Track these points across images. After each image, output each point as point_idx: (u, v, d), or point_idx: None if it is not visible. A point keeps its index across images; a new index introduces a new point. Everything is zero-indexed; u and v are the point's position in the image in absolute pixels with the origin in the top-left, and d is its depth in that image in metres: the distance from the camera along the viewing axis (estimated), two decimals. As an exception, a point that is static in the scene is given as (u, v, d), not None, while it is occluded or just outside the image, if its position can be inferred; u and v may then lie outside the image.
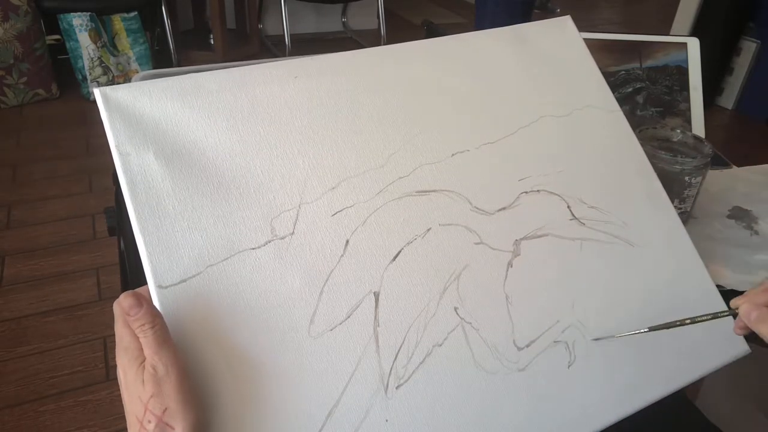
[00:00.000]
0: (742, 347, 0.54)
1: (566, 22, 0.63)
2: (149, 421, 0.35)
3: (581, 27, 0.64)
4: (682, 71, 0.93)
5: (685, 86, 0.93)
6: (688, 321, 0.46)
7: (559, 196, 0.53)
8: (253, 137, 0.45)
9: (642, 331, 0.48)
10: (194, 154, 0.43)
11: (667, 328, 0.47)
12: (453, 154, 0.51)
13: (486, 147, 0.53)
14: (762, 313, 0.42)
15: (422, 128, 0.51)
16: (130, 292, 0.37)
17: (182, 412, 0.35)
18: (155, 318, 0.37)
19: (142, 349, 0.36)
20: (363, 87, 0.50)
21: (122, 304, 0.37)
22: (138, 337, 0.36)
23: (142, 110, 0.43)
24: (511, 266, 0.49)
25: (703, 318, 0.46)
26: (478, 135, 0.53)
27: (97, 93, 0.42)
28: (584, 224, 0.53)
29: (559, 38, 0.62)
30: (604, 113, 0.60)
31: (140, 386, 0.35)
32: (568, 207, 0.53)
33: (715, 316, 0.45)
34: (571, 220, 0.53)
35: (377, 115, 0.50)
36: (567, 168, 0.55)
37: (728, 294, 0.50)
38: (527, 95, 0.57)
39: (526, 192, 0.52)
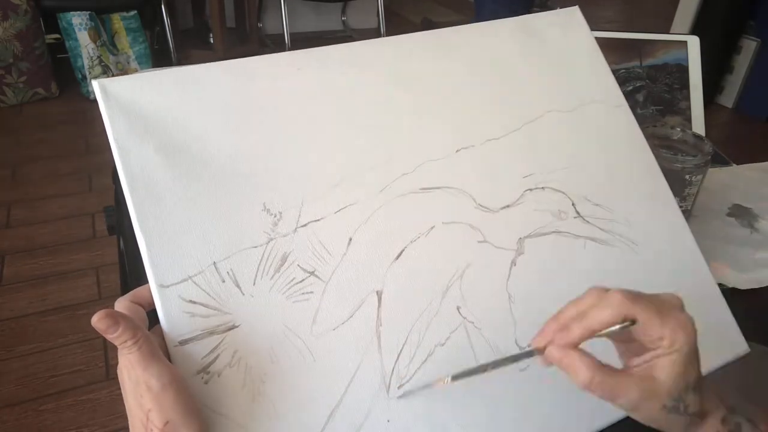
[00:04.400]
0: (742, 347, 0.54)
1: (574, 13, 0.62)
2: (151, 431, 0.34)
3: (582, 25, 0.64)
4: (683, 69, 0.93)
5: (685, 84, 0.93)
6: (489, 366, 0.40)
7: (563, 193, 0.53)
8: (256, 131, 0.45)
9: (447, 380, 0.41)
10: (195, 148, 0.43)
11: (470, 375, 0.40)
12: (457, 151, 0.51)
13: (490, 143, 0.52)
14: (571, 361, 0.36)
15: (426, 124, 0.51)
16: (104, 311, 0.34)
17: (185, 423, 0.35)
18: (136, 334, 0.34)
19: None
20: (365, 80, 0.50)
21: (98, 326, 0.34)
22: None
23: (142, 103, 0.42)
24: (515, 265, 0.49)
25: (506, 361, 0.39)
26: (482, 131, 0.52)
27: (96, 86, 0.41)
28: (588, 222, 0.53)
29: (566, 30, 0.61)
30: (611, 108, 0.59)
31: (139, 400, 0.35)
32: (573, 205, 0.53)
33: (515, 358, 0.39)
34: (575, 218, 0.53)
35: (380, 109, 0.49)
36: (572, 165, 0.55)
37: (729, 293, 0.50)
38: (533, 90, 0.56)
39: (530, 189, 0.52)
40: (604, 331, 0.37)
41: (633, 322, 0.36)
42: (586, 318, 0.37)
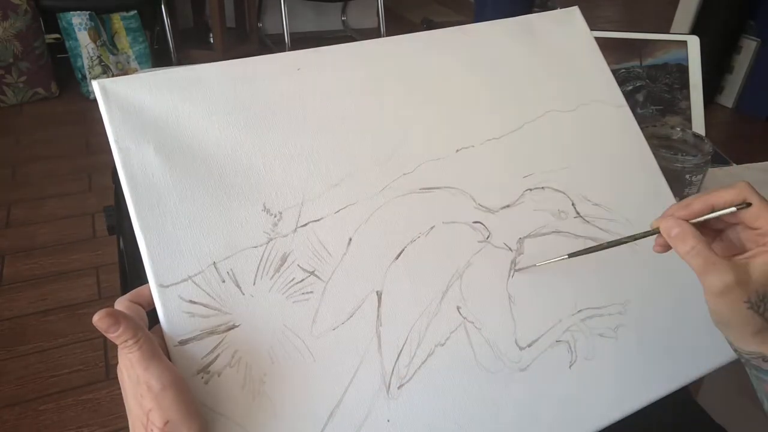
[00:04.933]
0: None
1: (574, 13, 0.62)
2: (152, 431, 0.34)
3: (581, 25, 0.64)
4: (683, 69, 0.93)
5: (685, 84, 0.93)
6: (605, 244, 0.45)
7: (563, 193, 0.53)
8: (255, 131, 0.45)
9: (563, 257, 0.47)
10: (195, 148, 0.43)
11: (587, 253, 0.46)
12: (457, 150, 0.51)
13: (490, 143, 0.52)
14: (683, 230, 0.39)
15: (426, 123, 0.50)
16: (105, 310, 0.34)
17: (185, 422, 0.35)
18: (137, 333, 0.35)
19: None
20: (365, 80, 0.50)
21: (99, 325, 0.34)
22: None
23: (141, 104, 0.42)
24: (515, 265, 0.49)
25: (624, 240, 0.44)
26: (482, 130, 0.53)
27: (96, 86, 0.41)
28: (588, 222, 0.53)
29: (566, 30, 0.61)
30: (611, 108, 0.59)
31: (139, 400, 0.35)
32: (573, 204, 0.53)
33: (635, 237, 0.44)
34: (575, 217, 0.53)
35: (380, 109, 0.49)
36: (572, 164, 0.55)
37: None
38: (533, 89, 0.56)
39: (530, 189, 0.52)
40: (722, 212, 0.40)
41: (749, 204, 0.39)
42: (709, 196, 0.40)
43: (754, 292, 0.38)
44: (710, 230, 0.42)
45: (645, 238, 0.43)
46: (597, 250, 0.46)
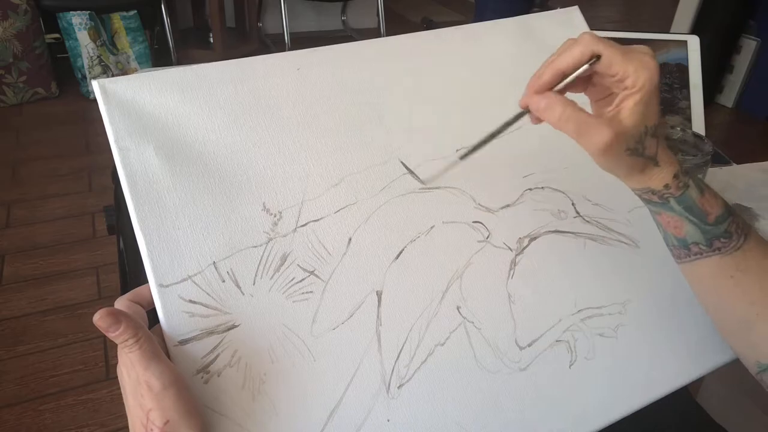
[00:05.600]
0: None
1: (574, 13, 0.62)
2: (152, 430, 0.34)
3: (581, 25, 0.64)
4: (682, 69, 0.93)
5: (685, 84, 0.93)
6: (487, 135, 0.44)
7: (563, 193, 0.53)
8: (255, 131, 0.45)
9: (454, 160, 0.45)
10: (195, 148, 0.43)
11: (478, 148, 0.44)
12: (457, 150, 0.51)
13: (490, 143, 0.52)
14: (549, 100, 0.39)
15: (426, 123, 0.51)
16: (106, 309, 0.34)
17: (185, 422, 0.35)
18: (137, 333, 0.35)
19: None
20: (365, 80, 0.50)
21: (100, 324, 0.34)
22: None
23: (141, 103, 0.42)
24: (515, 264, 0.49)
25: (503, 126, 0.43)
26: (482, 130, 0.52)
27: (96, 86, 0.41)
28: (588, 222, 0.53)
29: (566, 30, 0.60)
30: None
31: (139, 400, 0.35)
32: (573, 204, 0.53)
33: (510, 122, 0.43)
34: (575, 217, 0.53)
35: (380, 109, 0.49)
36: (572, 164, 0.55)
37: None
38: None
39: (530, 189, 0.52)
40: (574, 74, 0.39)
41: (599, 57, 0.38)
42: (555, 61, 0.40)
43: (631, 138, 0.39)
44: (580, 81, 0.42)
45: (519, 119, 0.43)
46: (484, 144, 0.44)
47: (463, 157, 0.44)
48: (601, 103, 0.42)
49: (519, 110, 0.42)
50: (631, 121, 0.38)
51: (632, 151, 0.39)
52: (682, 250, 0.44)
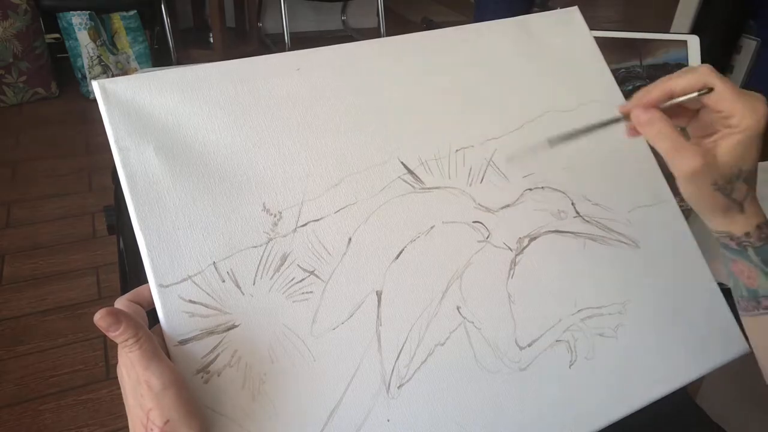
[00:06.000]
0: (742, 346, 0.54)
1: (573, 13, 0.62)
2: (151, 430, 0.34)
3: (581, 25, 0.64)
4: (683, 69, 0.93)
5: (685, 84, 0.92)
6: (582, 129, 0.44)
7: (563, 193, 0.53)
8: (255, 132, 0.45)
9: (542, 143, 0.47)
10: (195, 148, 0.43)
11: (567, 140, 0.45)
12: (456, 150, 0.51)
13: (490, 143, 0.52)
14: (651, 115, 0.40)
15: (425, 123, 0.50)
16: (106, 309, 0.34)
17: (185, 422, 0.35)
18: (138, 332, 0.34)
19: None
20: (365, 80, 0.50)
21: (100, 324, 0.34)
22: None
23: (141, 104, 0.42)
24: (515, 264, 0.49)
25: (596, 126, 0.44)
26: (481, 130, 0.53)
27: (96, 86, 0.41)
28: (588, 222, 0.53)
29: (565, 30, 0.61)
30: (611, 108, 0.59)
31: (139, 399, 0.35)
32: (573, 204, 0.53)
33: (605, 123, 0.44)
34: (575, 217, 0.53)
35: (380, 109, 0.49)
36: (572, 164, 0.55)
37: (730, 292, 0.50)
38: (532, 89, 0.56)
39: (530, 189, 0.52)
40: (682, 98, 0.40)
41: (710, 89, 0.39)
42: (668, 81, 0.40)
43: (721, 175, 0.39)
44: (686, 112, 0.42)
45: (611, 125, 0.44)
46: (577, 137, 0.45)
47: (552, 144, 0.45)
48: (699, 132, 0.42)
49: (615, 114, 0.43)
50: (725, 158, 0.38)
51: (719, 188, 0.39)
52: (751, 302, 0.43)
